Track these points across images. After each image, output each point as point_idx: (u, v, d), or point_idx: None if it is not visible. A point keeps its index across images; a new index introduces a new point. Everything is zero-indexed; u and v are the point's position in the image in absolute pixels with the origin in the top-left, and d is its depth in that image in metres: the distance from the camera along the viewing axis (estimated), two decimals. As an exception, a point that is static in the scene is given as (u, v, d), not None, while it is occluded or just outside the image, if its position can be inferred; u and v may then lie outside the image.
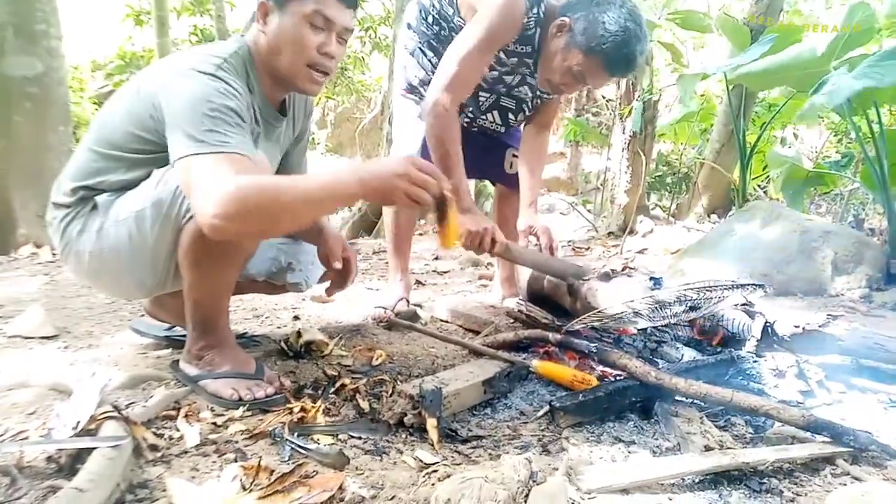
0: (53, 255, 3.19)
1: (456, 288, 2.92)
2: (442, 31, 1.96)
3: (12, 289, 2.43)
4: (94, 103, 8.44)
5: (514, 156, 2.23)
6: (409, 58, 2.09)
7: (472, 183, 2.93)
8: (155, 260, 1.30)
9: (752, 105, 5.13)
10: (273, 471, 0.97)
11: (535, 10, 1.75)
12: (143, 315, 1.93)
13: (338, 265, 1.49)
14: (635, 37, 1.62)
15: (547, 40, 1.76)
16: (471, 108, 2.07)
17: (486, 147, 2.21)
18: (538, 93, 2.04)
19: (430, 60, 2.01)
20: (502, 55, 1.88)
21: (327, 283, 1.65)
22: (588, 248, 4.43)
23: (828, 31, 3.24)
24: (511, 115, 2.11)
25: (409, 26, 2.08)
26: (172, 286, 1.39)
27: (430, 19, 1.99)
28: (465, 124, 2.10)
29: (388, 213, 2.22)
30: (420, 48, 2.05)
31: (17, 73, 3.40)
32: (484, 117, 2.10)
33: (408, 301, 2.20)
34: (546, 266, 1.88)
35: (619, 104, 4.98)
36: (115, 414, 1.03)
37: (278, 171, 1.56)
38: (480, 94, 2.02)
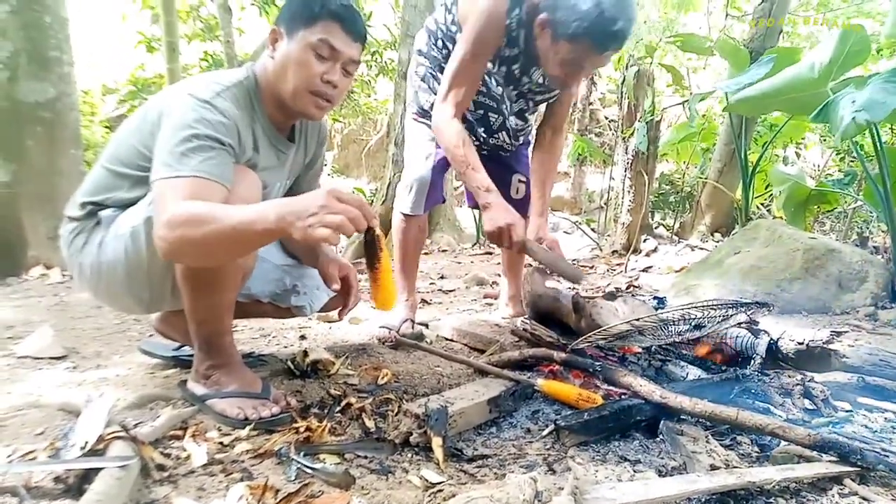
0: (63, 276, 3.23)
1: (461, 306, 2.93)
2: (451, 53, 2.00)
3: (22, 310, 2.45)
4: (106, 127, 8.58)
5: (521, 181, 2.28)
6: (420, 83, 2.14)
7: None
8: (150, 276, 1.31)
9: (754, 124, 5.17)
10: (279, 490, 0.97)
11: (516, 12, 1.79)
12: (151, 335, 1.95)
13: (336, 286, 1.48)
14: (611, 6, 1.57)
15: (537, 41, 1.79)
16: (482, 130, 2.10)
17: (492, 173, 2.22)
18: (534, 99, 2.09)
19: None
20: (492, 66, 1.93)
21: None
22: (592, 267, 4.43)
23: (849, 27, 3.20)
24: (520, 135, 2.17)
25: (419, 52, 2.13)
26: (171, 304, 1.40)
27: (439, 43, 2.04)
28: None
29: (396, 233, 2.23)
30: (430, 73, 2.10)
31: (29, 99, 3.47)
32: (496, 137, 2.14)
33: (413, 322, 2.21)
34: (555, 265, 1.89)
35: (622, 124, 5.02)
36: (123, 434, 1.04)
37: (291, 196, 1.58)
38: (490, 114, 2.06)
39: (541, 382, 1.43)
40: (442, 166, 2.14)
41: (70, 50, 3.68)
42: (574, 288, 2.02)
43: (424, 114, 2.14)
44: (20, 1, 3.40)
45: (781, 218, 5.08)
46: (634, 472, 1.10)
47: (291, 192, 1.60)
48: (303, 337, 2.12)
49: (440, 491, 1.00)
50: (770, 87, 3.54)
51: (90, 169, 1.45)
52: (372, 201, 6.65)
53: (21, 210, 3.38)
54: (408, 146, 2.24)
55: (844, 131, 2.60)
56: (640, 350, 1.65)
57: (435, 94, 2.07)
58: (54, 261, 3.36)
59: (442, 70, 2.04)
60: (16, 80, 3.42)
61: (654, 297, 1.68)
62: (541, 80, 2.02)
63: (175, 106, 1.23)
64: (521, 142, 2.22)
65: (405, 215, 2.16)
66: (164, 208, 1.10)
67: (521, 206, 2.25)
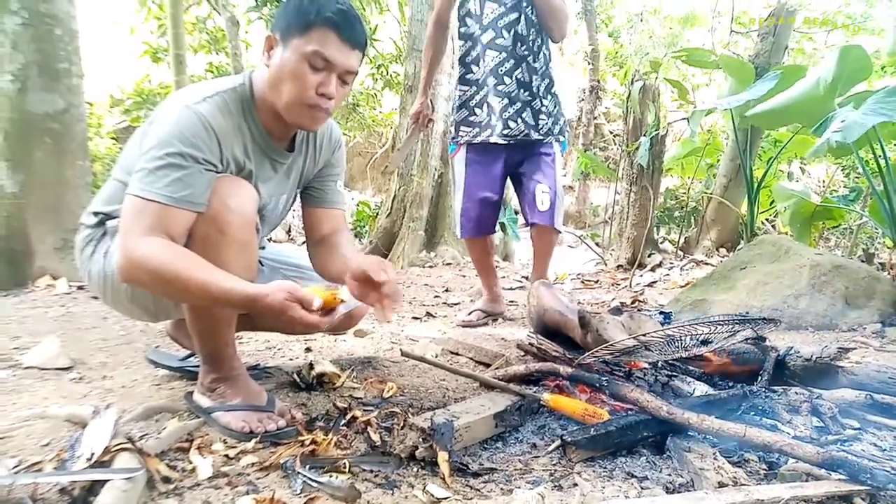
0: (70, 287, 3.23)
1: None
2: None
3: (29, 320, 2.46)
4: (113, 139, 8.64)
5: (544, 192, 2.42)
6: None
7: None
8: None
9: (759, 140, 5.18)
10: (285, 504, 0.97)
11: None
12: (157, 346, 1.95)
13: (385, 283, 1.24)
14: None
15: None
16: (506, 65, 2.43)
17: (520, 183, 2.55)
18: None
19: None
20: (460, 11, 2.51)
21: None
22: (597, 282, 4.42)
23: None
24: (523, 36, 2.43)
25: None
26: (178, 314, 1.41)
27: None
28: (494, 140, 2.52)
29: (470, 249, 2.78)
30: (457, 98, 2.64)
31: (39, 110, 3.50)
32: (504, 68, 2.44)
33: (482, 312, 2.74)
34: None
35: (627, 139, 5.04)
36: (129, 446, 1.04)
37: (312, 204, 1.57)
38: (500, 55, 2.44)
39: (547, 397, 1.43)
40: (480, 199, 2.55)
41: (79, 62, 3.72)
42: (579, 301, 2.03)
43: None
44: (32, 14, 3.44)
45: (787, 233, 5.08)
46: (641, 488, 1.09)
47: (308, 198, 1.57)
48: (308, 349, 2.12)
49: (446, 506, 1.00)
50: (781, 103, 3.56)
51: (96, 181, 1.47)
52: (377, 214, 6.68)
53: (28, 221, 3.40)
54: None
55: (817, 150, 2.68)
56: (646, 365, 1.64)
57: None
58: (61, 271, 3.37)
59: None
60: (25, 91, 3.45)
61: (660, 313, 1.68)
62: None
63: (162, 114, 1.24)
64: (528, 40, 2.42)
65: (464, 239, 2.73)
66: (128, 235, 1.16)
67: (547, 216, 2.42)
